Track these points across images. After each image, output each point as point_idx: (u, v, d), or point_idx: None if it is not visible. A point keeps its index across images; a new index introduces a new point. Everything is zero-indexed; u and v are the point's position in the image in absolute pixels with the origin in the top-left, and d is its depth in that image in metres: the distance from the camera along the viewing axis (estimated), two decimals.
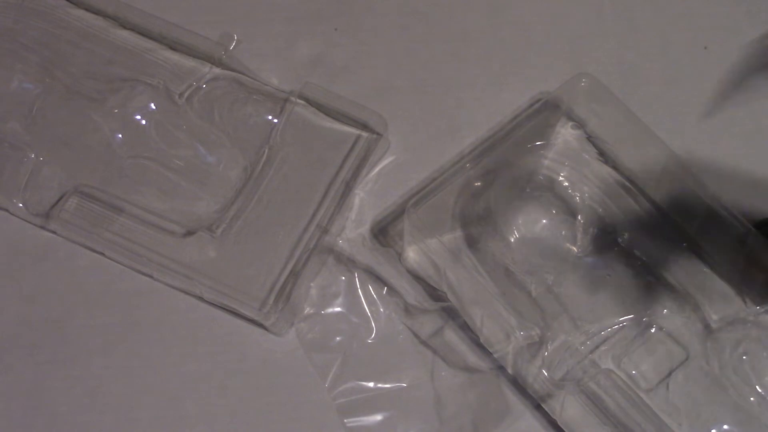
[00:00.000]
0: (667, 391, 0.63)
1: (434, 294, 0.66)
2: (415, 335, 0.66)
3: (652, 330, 0.64)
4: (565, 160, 0.69)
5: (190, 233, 0.67)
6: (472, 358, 0.65)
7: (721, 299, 0.65)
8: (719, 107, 0.73)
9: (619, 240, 0.67)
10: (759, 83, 0.74)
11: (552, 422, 0.62)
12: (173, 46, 0.73)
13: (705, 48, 0.75)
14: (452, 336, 0.65)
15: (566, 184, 0.69)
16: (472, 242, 0.68)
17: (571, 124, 0.71)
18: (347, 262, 0.68)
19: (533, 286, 0.65)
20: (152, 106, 0.70)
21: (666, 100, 0.73)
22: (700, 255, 0.66)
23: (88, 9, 0.74)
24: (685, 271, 0.66)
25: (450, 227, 0.68)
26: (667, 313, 0.65)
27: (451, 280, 0.63)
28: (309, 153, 0.70)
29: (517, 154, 0.68)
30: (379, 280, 0.67)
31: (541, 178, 0.69)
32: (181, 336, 0.67)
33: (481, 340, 0.63)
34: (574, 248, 0.67)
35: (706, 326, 0.65)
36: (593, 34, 0.76)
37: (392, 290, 0.67)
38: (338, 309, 0.67)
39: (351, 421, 0.64)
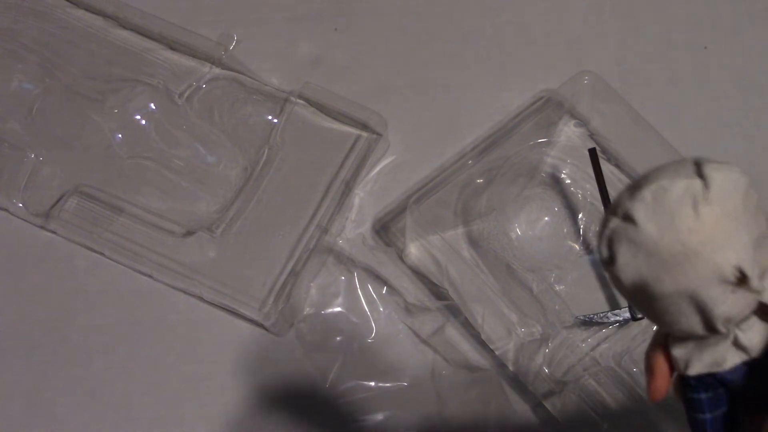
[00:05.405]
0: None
1: (435, 291, 0.66)
2: (416, 334, 0.66)
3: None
4: (568, 158, 0.70)
5: (190, 233, 0.66)
6: (474, 355, 0.65)
7: None
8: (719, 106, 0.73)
9: None
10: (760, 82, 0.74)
11: (553, 419, 0.62)
12: (173, 46, 0.73)
13: (705, 48, 0.76)
14: (453, 334, 0.65)
15: (569, 181, 0.69)
16: (473, 239, 0.68)
17: (573, 122, 0.71)
18: (347, 262, 0.67)
19: (535, 283, 0.65)
20: (152, 106, 0.70)
21: (666, 100, 0.73)
22: None
23: (88, 9, 0.74)
24: None
25: (452, 224, 0.68)
26: None
27: (453, 276, 0.63)
28: (309, 153, 0.70)
29: (520, 151, 0.68)
30: (379, 280, 0.67)
31: (544, 175, 0.69)
32: (181, 336, 0.66)
33: (483, 338, 0.62)
34: (576, 246, 0.67)
35: None
36: (593, 34, 0.76)
37: (392, 289, 0.67)
38: (338, 309, 0.66)
39: (352, 421, 0.64)
